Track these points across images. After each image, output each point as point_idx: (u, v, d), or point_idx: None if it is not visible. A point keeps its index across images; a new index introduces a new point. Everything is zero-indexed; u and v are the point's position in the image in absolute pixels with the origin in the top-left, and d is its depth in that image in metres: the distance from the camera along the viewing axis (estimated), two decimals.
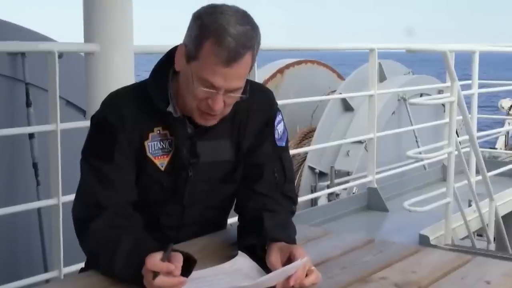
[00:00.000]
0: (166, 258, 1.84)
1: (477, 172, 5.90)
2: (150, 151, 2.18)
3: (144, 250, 1.92)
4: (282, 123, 2.36)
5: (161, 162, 2.20)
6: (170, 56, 2.18)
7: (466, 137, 5.91)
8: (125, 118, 2.15)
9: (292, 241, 2.13)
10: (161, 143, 2.19)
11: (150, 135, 2.18)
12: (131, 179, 2.18)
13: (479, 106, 6.79)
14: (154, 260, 1.84)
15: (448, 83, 5.84)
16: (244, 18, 2.05)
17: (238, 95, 2.09)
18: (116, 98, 2.22)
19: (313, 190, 7.54)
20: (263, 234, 2.11)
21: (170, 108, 2.17)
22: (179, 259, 1.85)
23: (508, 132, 11.33)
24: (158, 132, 2.19)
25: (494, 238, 5.93)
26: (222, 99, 2.06)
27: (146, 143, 2.18)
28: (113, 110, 2.17)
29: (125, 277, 1.96)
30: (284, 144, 2.35)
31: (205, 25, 2.03)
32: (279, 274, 1.92)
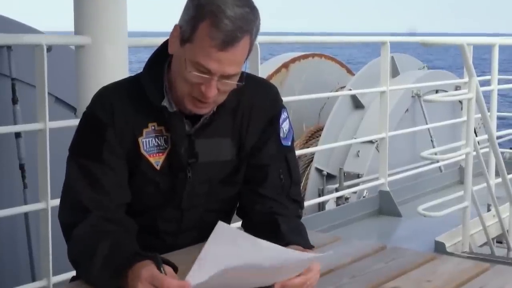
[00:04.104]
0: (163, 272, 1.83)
1: (497, 174, 5.89)
2: (145, 148, 2.19)
3: (119, 257, 1.92)
4: (287, 121, 2.36)
5: (157, 160, 2.20)
6: (165, 47, 2.19)
7: (485, 136, 5.92)
8: (116, 114, 2.16)
9: (309, 246, 2.14)
10: (156, 139, 2.20)
11: (144, 131, 2.19)
12: (122, 180, 2.18)
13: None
14: (169, 281, 1.79)
15: (466, 79, 5.85)
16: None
17: (233, 82, 2.10)
18: (107, 93, 2.23)
19: (321, 193, 7.54)
20: (280, 238, 2.09)
21: (165, 102, 2.17)
22: (173, 276, 1.84)
23: None
24: (152, 128, 2.19)
25: None
26: (215, 86, 2.07)
27: (140, 139, 2.18)
28: (103, 106, 2.18)
29: (101, 286, 1.96)
30: (289, 143, 2.35)
31: (202, 5, 2.05)
32: (298, 257, 1.91)
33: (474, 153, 5.29)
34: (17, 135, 4.45)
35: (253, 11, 2.08)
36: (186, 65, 2.07)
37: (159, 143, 2.20)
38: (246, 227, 2.32)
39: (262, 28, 2.15)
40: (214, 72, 2.05)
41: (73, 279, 2.33)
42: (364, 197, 6.73)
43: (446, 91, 7.60)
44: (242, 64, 2.11)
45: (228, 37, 2.02)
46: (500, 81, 7.05)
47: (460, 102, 7.73)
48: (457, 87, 8.03)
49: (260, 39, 4.60)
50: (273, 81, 8.25)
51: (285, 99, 2.44)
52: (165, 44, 2.20)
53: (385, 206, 6.11)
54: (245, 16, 2.04)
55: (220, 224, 1.95)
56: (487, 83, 6.83)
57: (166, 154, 2.20)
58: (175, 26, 2.13)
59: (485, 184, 5.51)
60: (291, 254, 1.93)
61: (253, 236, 1.95)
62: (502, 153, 6.99)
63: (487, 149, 6.06)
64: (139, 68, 2.37)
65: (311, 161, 7.97)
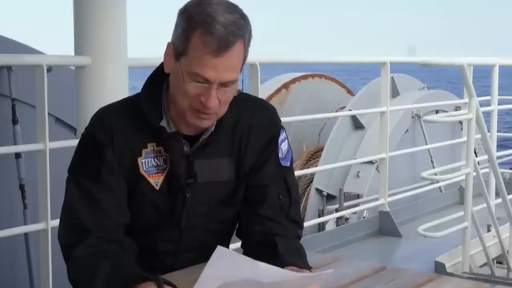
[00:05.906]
0: None
1: (497, 194, 5.89)
2: (144, 168, 2.19)
3: (120, 278, 1.92)
4: (286, 141, 2.36)
5: (156, 180, 2.20)
6: (163, 67, 2.20)
7: (485, 157, 5.91)
8: (115, 134, 2.16)
9: (307, 267, 2.13)
10: (156, 160, 2.20)
11: (144, 151, 2.19)
12: (121, 200, 2.17)
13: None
14: None
15: (466, 99, 5.85)
16: (232, 7, 2.08)
17: (232, 89, 2.11)
18: (106, 113, 2.23)
19: (321, 214, 7.54)
20: (278, 259, 2.09)
21: (163, 123, 2.17)
22: None
23: None
24: (152, 148, 2.19)
25: None
26: (215, 94, 2.07)
27: (139, 160, 2.18)
28: (102, 126, 2.18)
29: None
30: (288, 164, 2.35)
31: (192, 16, 2.06)
32: (298, 278, 1.91)
33: (474, 173, 5.28)
34: (17, 155, 4.45)
35: (244, 17, 2.10)
36: (184, 77, 2.07)
37: (158, 163, 2.20)
38: (245, 248, 2.31)
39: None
40: (212, 80, 2.05)
41: None
42: (364, 217, 6.73)
43: (446, 111, 7.61)
44: (238, 71, 2.12)
45: (222, 42, 2.02)
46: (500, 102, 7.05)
47: (460, 122, 7.73)
48: (457, 108, 8.04)
49: (260, 58, 4.63)
50: (273, 101, 8.27)
51: (285, 119, 2.45)
52: (163, 65, 2.21)
53: (385, 226, 6.11)
54: (236, 22, 2.06)
55: (219, 249, 1.95)
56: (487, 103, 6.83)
57: (165, 174, 2.20)
58: (168, 44, 2.14)
59: (485, 205, 5.51)
60: (290, 274, 1.92)
61: (252, 259, 1.95)
62: (502, 173, 6.98)
63: (487, 170, 6.05)
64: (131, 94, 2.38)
65: (311, 181, 7.98)
